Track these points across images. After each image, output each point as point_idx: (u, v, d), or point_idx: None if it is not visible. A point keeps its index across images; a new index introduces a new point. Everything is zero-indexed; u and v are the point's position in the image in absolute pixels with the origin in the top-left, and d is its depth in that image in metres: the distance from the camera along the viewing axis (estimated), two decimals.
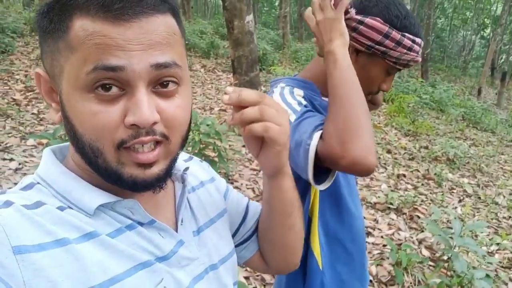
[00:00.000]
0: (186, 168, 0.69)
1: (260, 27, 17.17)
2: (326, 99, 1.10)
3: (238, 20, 5.14)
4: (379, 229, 3.46)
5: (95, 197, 0.53)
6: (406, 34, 0.99)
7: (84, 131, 0.50)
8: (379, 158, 5.18)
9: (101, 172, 0.53)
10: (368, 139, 0.89)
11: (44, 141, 3.49)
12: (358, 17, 0.99)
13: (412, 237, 3.42)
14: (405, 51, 1.01)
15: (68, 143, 0.58)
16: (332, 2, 0.97)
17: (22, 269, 0.44)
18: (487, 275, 2.55)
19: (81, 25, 0.47)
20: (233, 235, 0.81)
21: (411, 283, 2.72)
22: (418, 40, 1.02)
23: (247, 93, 0.56)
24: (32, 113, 4.82)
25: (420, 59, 1.07)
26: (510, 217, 4.20)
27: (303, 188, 1.08)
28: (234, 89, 0.57)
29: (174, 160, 0.57)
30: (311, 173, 0.93)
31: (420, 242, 3.37)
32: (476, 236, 3.57)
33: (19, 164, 3.38)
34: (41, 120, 4.67)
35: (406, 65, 1.06)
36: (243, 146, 4.70)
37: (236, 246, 0.81)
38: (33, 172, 0.59)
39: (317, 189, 1.03)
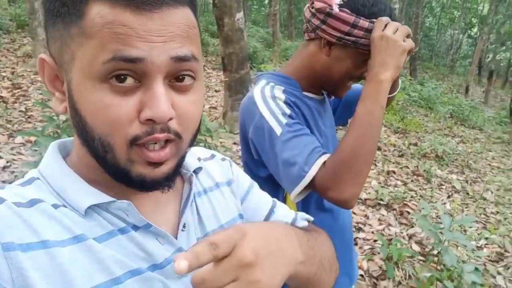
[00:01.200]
0: (198, 169, 0.65)
1: (250, 25, 17.15)
2: (307, 93, 1.12)
3: (228, 17, 5.12)
4: (369, 224, 3.49)
5: (87, 196, 0.51)
6: (375, 21, 0.98)
7: (95, 124, 0.47)
8: None
9: (108, 169, 0.51)
10: (361, 187, 0.95)
11: (33, 138, 3.44)
12: (326, 9, 0.98)
13: (402, 232, 3.45)
14: None
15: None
16: None
17: (10, 267, 0.43)
18: (476, 269, 2.57)
19: (99, 12, 0.44)
20: None
21: (401, 277, 2.75)
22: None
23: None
24: (20, 111, 4.76)
25: None
26: (498, 212, 4.27)
27: (276, 187, 1.08)
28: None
29: (183, 158, 0.55)
30: (295, 192, 0.97)
31: (410, 237, 3.40)
32: (465, 231, 3.61)
33: (7, 162, 3.34)
34: (29, 117, 4.62)
35: None
36: (234, 143, 4.69)
37: None
38: (34, 168, 0.57)
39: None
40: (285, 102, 1.03)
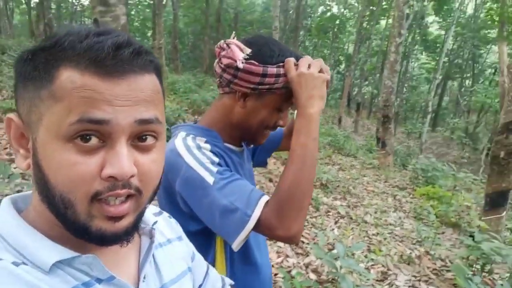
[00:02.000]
0: (155, 223, 0.67)
1: None
2: (228, 145, 1.12)
3: None
4: (269, 258, 3.55)
5: (51, 253, 0.51)
6: (282, 64, 1.02)
7: (57, 182, 0.48)
8: (262, 187, 5.37)
9: (68, 225, 0.51)
10: (304, 220, 0.96)
11: None
12: (234, 64, 0.99)
13: (299, 263, 3.58)
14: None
15: (29, 192, 0.57)
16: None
17: None
18: None
19: (69, 77, 0.47)
20: None
21: None
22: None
23: None
24: None
25: None
26: (378, 233, 4.71)
27: (207, 240, 1.06)
28: None
29: (142, 213, 0.57)
30: (240, 239, 0.93)
31: (307, 266, 3.54)
32: (353, 254, 3.90)
33: None
34: None
35: None
36: None
37: None
38: None
39: (231, 246, 0.98)
40: (211, 151, 1.01)
